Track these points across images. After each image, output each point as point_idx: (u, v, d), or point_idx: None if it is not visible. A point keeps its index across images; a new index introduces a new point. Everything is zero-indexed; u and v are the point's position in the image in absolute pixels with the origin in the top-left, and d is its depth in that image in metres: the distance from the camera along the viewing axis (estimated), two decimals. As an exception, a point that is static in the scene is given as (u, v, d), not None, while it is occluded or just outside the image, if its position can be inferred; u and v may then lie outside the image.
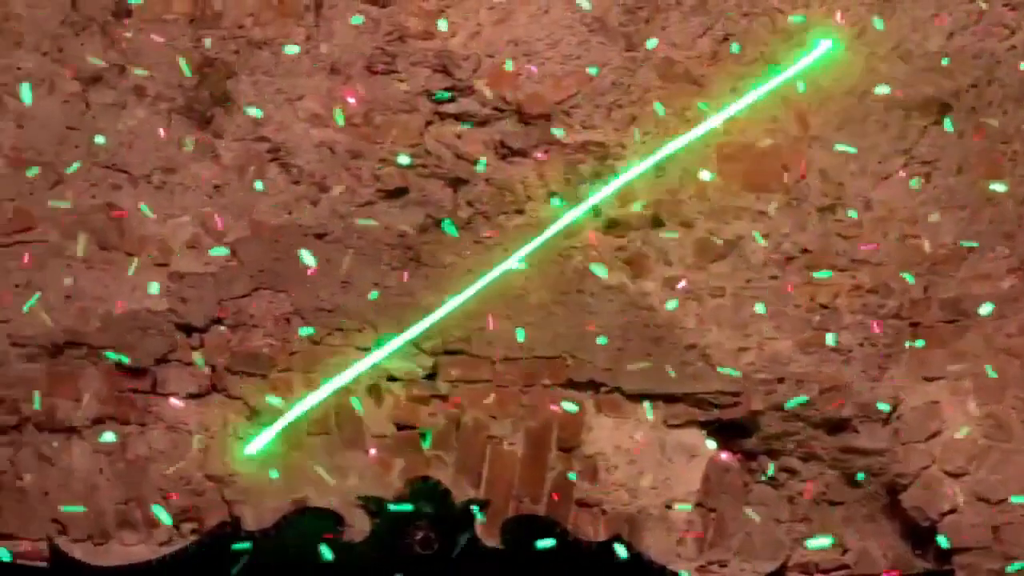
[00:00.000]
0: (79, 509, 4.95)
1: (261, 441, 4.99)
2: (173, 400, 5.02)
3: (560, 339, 5.13)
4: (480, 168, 5.10)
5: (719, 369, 5.12)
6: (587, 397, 5.15)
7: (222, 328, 5.08)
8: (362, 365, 5.01)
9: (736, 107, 5.14)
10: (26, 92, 5.00)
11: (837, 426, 5.20)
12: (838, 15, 5.26)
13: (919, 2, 5.30)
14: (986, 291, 5.25)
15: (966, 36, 5.30)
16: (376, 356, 5.02)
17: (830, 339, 5.14)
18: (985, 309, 5.22)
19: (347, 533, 5.01)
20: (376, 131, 5.14)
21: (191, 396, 5.06)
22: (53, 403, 5.02)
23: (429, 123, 5.17)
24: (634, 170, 5.10)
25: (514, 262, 5.05)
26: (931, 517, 5.18)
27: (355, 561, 5.00)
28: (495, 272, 5.05)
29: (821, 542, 5.13)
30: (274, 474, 4.92)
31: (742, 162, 5.22)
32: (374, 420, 5.08)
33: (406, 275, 5.09)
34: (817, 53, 5.20)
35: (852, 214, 5.22)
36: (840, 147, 5.15)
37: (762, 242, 5.15)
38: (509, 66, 5.12)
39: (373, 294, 5.07)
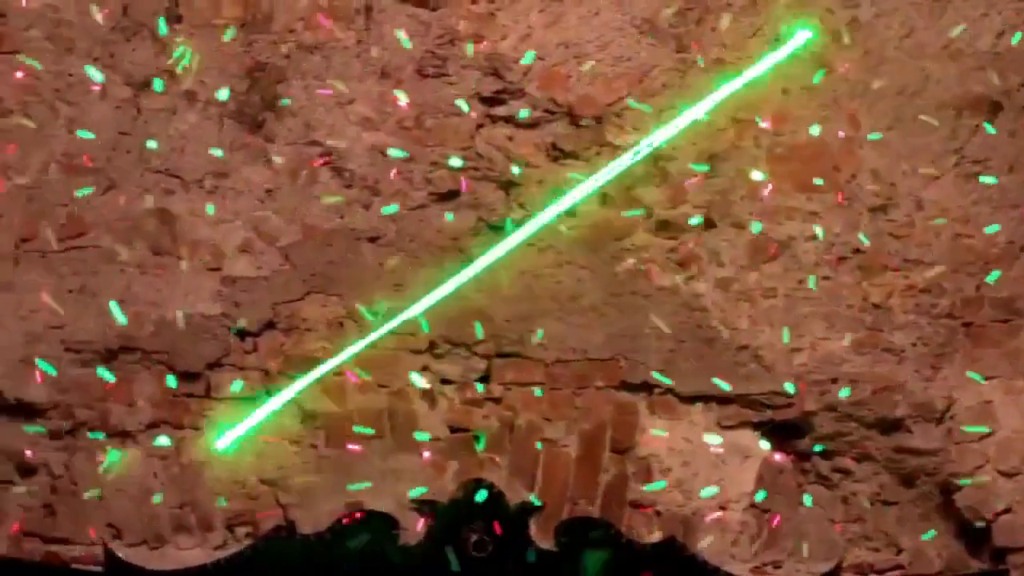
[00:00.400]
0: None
1: (233, 435, 4.98)
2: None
3: (613, 341, 5.12)
4: (515, 171, 5.09)
5: (787, 387, 5.09)
6: (640, 399, 5.15)
7: (276, 332, 5.08)
8: (336, 360, 5.01)
9: (708, 104, 5.11)
10: (94, 73, 5.01)
11: (891, 426, 5.19)
12: (888, 16, 5.25)
13: (969, 1, 5.28)
14: (1039, 290, 5.25)
15: (1016, 35, 5.28)
16: (350, 350, 5.01)
17: (889, 337, 5.13)
18: (1038, 308, 5.23)
19: (401, 536, 5.02)
20: (427, 134, 5.14)
21: (245, 400, 5.06)
22: (107, 408, 5.03)
23: (480, 126, 5.17)
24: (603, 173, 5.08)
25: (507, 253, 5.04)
26: (985, 517, 5.16)
27: (409, 564, 5.00)
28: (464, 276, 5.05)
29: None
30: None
31: (794, 162, 5.21)
32: (428, 423, 5.08)
33: (457, 278, 5.10)
34: (793, 44, 5.17)
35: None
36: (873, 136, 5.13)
37: (816, 240, 5.15)
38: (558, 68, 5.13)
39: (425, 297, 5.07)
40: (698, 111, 5.09)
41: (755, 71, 5.16)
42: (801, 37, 5.17)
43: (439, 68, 5.17)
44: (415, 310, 5.02)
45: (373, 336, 5.01)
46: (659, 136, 5.07)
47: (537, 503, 5.05)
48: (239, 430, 4.99)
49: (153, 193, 5.09)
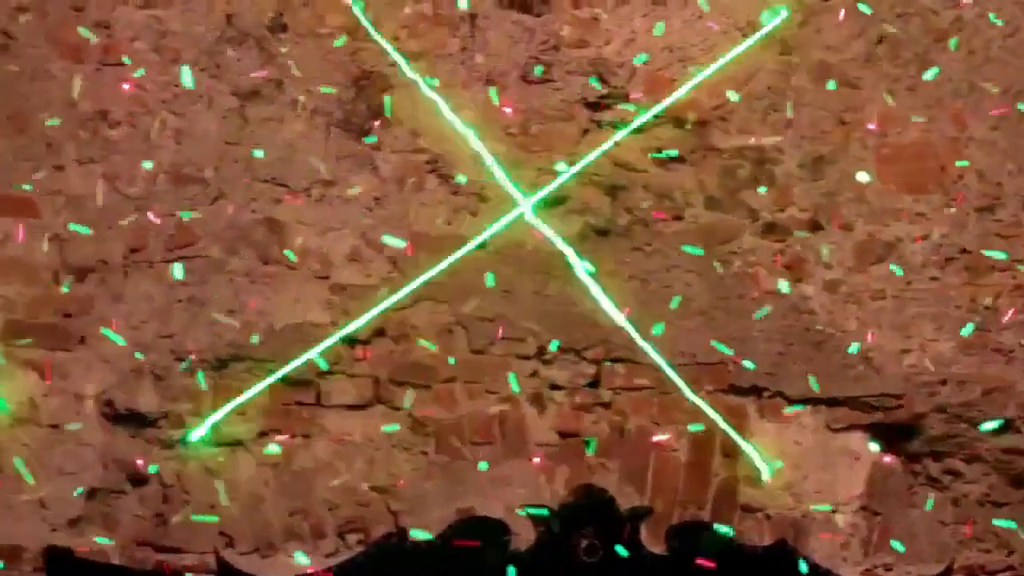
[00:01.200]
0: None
1: (204, 428, 4.99)
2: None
3: (722, 344, 5.12)
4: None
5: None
6: (750, 402, 5.14)
7: (385, 339, 5.09)
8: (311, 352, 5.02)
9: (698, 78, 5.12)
10: (186, 76, 5.03)
11: (1001, 427, 5.17)
12: (991, 15, 5.24)
13: (1077, -5, 5.28)
14: None
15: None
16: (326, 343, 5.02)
17: (998, 337, 5.11)
18: None
19: (512, 542, 5.02)
20: (533, 140, 5.15)
21: (355, 408, 5.07)
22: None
23: (586, 131, 5.17)
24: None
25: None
26: (1095, 518, 5.16)
27: (520, 570, 5.01)
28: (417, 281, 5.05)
29: None
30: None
31: (900, 164, 5.20)
32: (538, 428, 5.09)
33: (566, 283, 5.10)
34: (773, 24, 5.15)
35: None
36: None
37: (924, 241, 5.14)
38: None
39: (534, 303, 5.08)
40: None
41: (738, 49, 5.14)
42: (780, 17, 5.16)
43: (544, 74, 5.16)
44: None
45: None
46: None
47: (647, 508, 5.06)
48: (209, 423, 4.99)
49: (260, 202, 5.10)
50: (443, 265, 5.03)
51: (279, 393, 5.05)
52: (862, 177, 5.17)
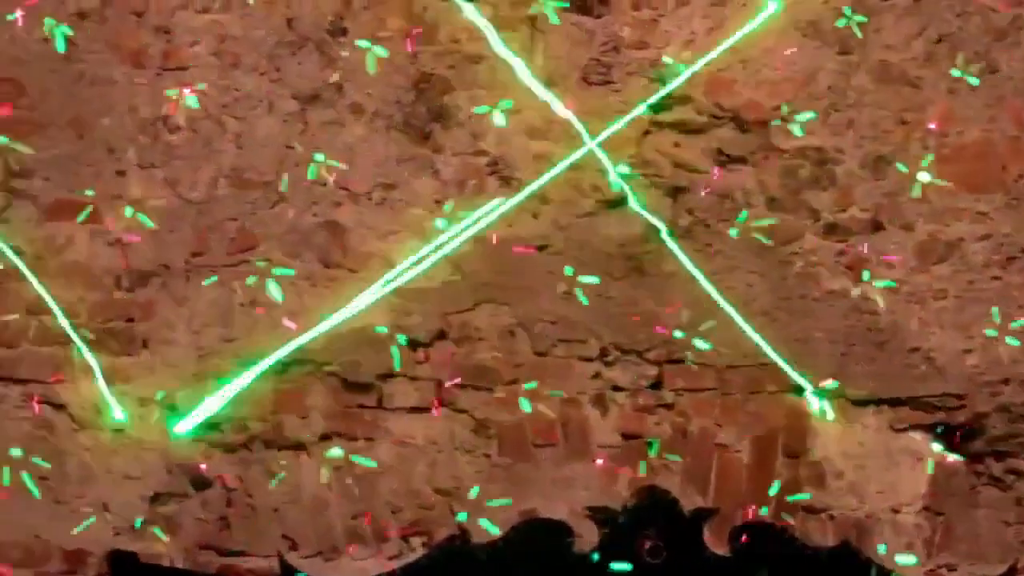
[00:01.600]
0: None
1: (189, 422, 5.00)
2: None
3: (784, 345, 5.11)
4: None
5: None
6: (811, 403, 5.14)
7: (447, 342, 5.10)
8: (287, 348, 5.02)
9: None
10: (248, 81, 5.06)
11: (1064, 427, 5.17)
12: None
13: None
14: None
15: None
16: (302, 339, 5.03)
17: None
18: None
19: (576, 544, 5.02)
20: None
21: (417, 410, 5.08)
22: (280, 420, 5.06)
23: (647, 132, 5.17)
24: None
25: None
26: None
27: (584, 571, 5.01)
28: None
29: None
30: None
31: (960, 163, 5.18)
32: (601, 430, 5.09)
33: (628, 285, 5.10)
34: (763, 16, 5.13)
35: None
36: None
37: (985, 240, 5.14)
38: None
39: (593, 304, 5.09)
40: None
41: (729, 42, 5.13)
42: (769, 9, 5.14)
43: (604, 75, 5.16)
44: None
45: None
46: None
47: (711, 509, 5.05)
48: (198, 416, 4.99)
49: (321, 205, 5.11)
50: (442, 252, 5.03)
51: (341, 396, 5.06)
52: (923, 177, 5.15)
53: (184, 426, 5.01)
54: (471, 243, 5.09)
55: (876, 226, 5.18)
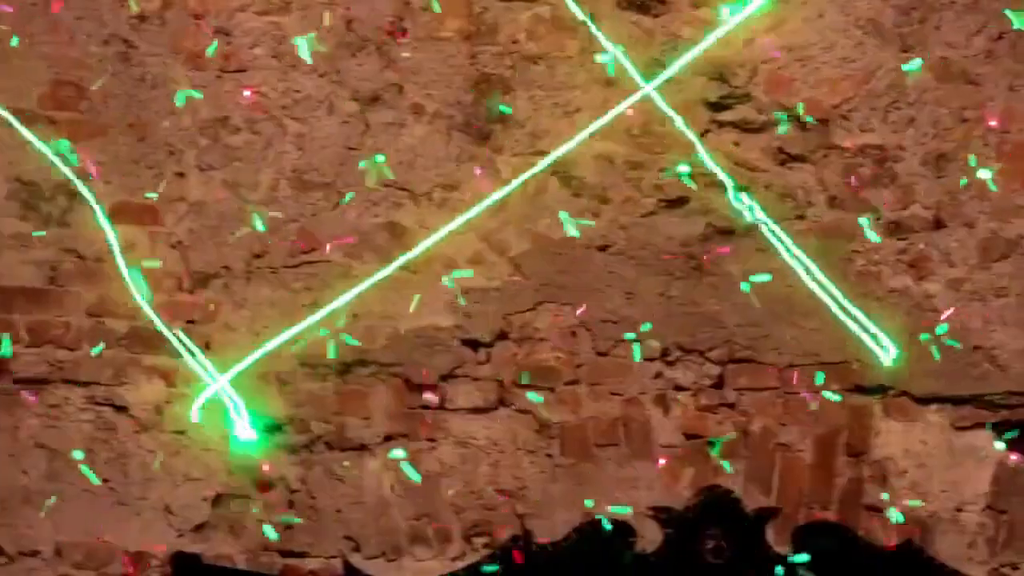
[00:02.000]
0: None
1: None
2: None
3: (846, 343, 5.10)
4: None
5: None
6: (875, 401, 5.12)
7: (508, 342, 5.10)
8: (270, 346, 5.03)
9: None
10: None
11: None
12: None
13: None
14: None
15: None
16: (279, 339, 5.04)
17: None
18: None
19: (638, 544, 5.02)
20: (655, 141, 5.14)
21: (479, 411, 5.08)
22: (343, 421, 5.06)
23: (707, 131, 5.16)
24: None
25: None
26: None
27: (647, 572, 5.01)
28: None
29: None
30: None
31: (1021, 160, 5.17)
32: (663, 430, 5.09)
33: (689, 284, 5.10)
34: (754, 6, 5.12)
35: None
36: None
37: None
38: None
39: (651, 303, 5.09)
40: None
41: (721, 30, 5.11)
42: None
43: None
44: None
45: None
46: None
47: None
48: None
49: (382, 206, 5.12)
50: (441, 233, 5.03)
51: (403, 397, 5.07)
52: (984, 174, 5.13)
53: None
54: (531, 242, 5.09)
55: (938, 224, 5.17)
